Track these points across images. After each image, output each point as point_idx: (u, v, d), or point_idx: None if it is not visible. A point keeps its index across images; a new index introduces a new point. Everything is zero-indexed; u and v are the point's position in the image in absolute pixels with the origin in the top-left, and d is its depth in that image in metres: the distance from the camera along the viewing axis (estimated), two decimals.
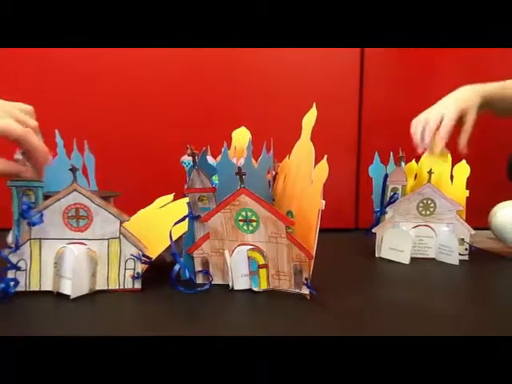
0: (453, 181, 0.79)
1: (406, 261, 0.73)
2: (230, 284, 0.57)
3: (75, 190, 0.53)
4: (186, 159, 0.72)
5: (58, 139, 0.70)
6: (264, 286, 0.56)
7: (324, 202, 0.53)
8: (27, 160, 0.52)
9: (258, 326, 0.46)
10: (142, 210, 0.70)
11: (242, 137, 0.75)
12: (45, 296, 0.53)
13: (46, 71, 0.99)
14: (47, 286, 0.54)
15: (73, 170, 0.53)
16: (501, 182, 0.99)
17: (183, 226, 0.59)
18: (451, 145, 0.79)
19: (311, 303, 0.52)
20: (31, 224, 0.52)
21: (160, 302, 0.53)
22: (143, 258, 0.55)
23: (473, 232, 0.74)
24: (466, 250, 0.75)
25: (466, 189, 0.78)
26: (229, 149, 0.69)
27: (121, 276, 0.55)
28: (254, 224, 0.55)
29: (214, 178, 0.62)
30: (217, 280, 0.59)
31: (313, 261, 0.53)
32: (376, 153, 0.83)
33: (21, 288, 0.53)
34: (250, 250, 0.56)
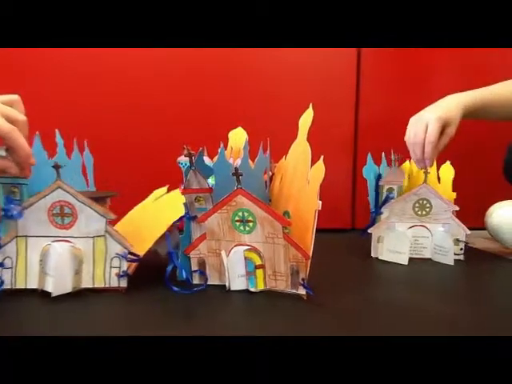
0: (440, 182, 0.80)
1: (405, 262, 0.73)
2: (227, 284, 0.57)
3: (59, 188, 0.53)
4: (183, 160, 0.72)
5: (58, 139, 0.70)
6: (261, 287, 0.56)
7: (320, 202, 0.53)
8: (10, 156, 0.51)
9: (254, 327, 0.46)
10: (138, 205, 0.70)
11: (238, 137, 0.75)
12: (32, 294, 0.53)
13: (45, 71, 0.99)
14: (33, 283, 0.54)
15: (56, 167, 0.52)
16: (497, 182, 0.99)
17: (177, 214, 0.59)
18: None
19: (308, 303, 0.52)
20: (11, 217, 0.52)
21: (156, 303, 0.53)
22: (130, 256, 0.55)
23: (468, 232, 0.74)
24: (462, 249, 0.75)
25: (453, 190, 0.79)
26: (225, 149, 0.69)
27: (106, 274, 0.55)
28: (251, 224, 0.55)
29: (210, 178, 0.62)
30: (213, 280, 0.59)
31: (309, 261, 0.53)
32: (369, 154, 0.83)
33: (7, 286, 0.54)
34: (247, 250, 0.56)
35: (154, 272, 0.58)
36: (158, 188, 0.73)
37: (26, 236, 0.54)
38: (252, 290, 0.56)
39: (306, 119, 0.60)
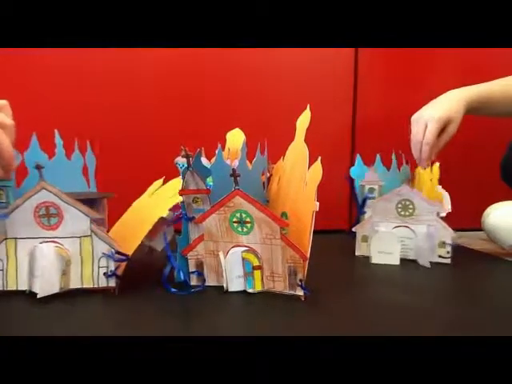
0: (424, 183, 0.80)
1: (396, 262, 0.73)
2: (225, 285, 0.57)
3: (43, 189, 0.53)
4: (181, 161, 0.72)
5: (58, 139, 0.70)
6: (258, 288, 0.56)
7: (318, 203, 0.53)
8: None
9: (252, 328, 0.46)
10: (135, 202, 0.70)
11: (236, 138, 0.75)
12: (21, 295, 0.53)
13: (45, 71, 0.98)
14: (24, 285, 0.54)
15: (37, 167, 0.52)
16: (494, 183, 0.99)
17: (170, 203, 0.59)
18: None
19: (305, 304, 0.52)
20: None
21: (154, 304, 0.53)
22: (117, 256, 0.55)
23: (454, 234, 0.73)
24: (448, 253, 0.73)
25: (450, 192, 0.79)
26: (223, 150, 0.69)
27: (95, 274, 0.55)
28: (249, 225, 0.55)
29: (208, 179, 0.62)
30: (211, 282, 0.59)
31: (307, 262, 0.53)
32: (358, 155, 0.84)
33: None
34: (245, 251, 0.56)
35: (151, 273, 0.58)
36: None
37: (15, 238, 0.54)
38: (250, 291, 0.56)
39: (304, 120, 0.60)
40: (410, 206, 0.74)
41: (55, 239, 0.54)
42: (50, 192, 0.53)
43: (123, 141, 1.02)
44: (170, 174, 0.71)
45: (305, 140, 0.59)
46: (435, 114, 0.77)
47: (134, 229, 0.60)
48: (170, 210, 0.61)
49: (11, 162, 0.52)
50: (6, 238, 0.54)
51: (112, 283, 0.55)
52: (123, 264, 0.56)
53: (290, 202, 0.60)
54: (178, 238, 0.59)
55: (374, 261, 0.74)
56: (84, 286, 0.55)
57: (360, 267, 0.73)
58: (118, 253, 0.55)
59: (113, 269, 0.55)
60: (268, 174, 0.68)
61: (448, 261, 0.73)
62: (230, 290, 0.56)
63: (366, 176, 0.82)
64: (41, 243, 0.53)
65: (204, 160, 0.68)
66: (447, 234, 0.73)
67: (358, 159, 0.84)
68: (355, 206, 1.10)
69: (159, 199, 0.64)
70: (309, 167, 0.56)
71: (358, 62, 1.09)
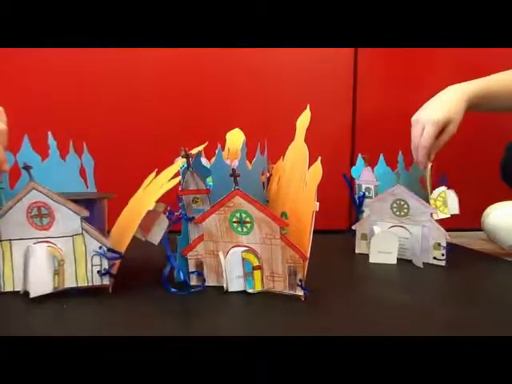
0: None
1: (394, 261, 0.73)
2: (225, 286, 0.57)
3: (34, 189, 0.53)
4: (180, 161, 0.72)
5: (51, 141, 0.70)
6: (258, 288, 0.56)
7: (318, 203, 0.53)
8: None
9: (252, 328, 0.46)
10: (130, 199, 0.70)
11: (235, 138, 0.75)
12: (21, 296, 0.53)
13: (45, 71, 0.98)
14: (20, 286, 0.54)
15: (26, 168, 0.52)
16: (494, 183, 0.99)
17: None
18: None
19: (305, 304, 0.52)
20: None
21: (154, 304, 0.53)
22: (109, 253, 0.55)
23: (448, 236, 0.71)
24: (443, 255, 0.72)
25: (449, 188, 0.78)
26: (223, 150, 0.69)
27: (88, 272, 0.55)
28: (248, 225, 0.55)
29: (208, 179, 0.62)
30: (211, 282, 0.59)
31: (307, 262, 0.53)
32: (359, 154, 0.84)
33: None
34: (245, 251, 0.56)
35: (151, 273, 0.58)
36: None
37: (9, 240, 0.54)
38: (250, 291, 0.56)
39: (304, 120, 0.60)
40: (405, 206, 0.74)
41: (48, 239, 0.54)
42: (40, 192, 0.53)
43: (123, 141, 1.02)
44: None
45: (305, 140, 0.58)
46: (433, 117, 0.77)
47: (127, 225, 0.59)
48: (159, 201, 0.59)
49: (2, 164, 0.55)
50: (0, 240, 0.54)
51: (106, 281, 0.55)
52: (118, 262, 0.56)
53: (290, 202, 0.60)
54: (178, 238, 0.59)
55: (372, 260, 0.74)
56: (79, 285, 0.55)
57: (360, 267, 0.73)
58: (111, 250, 0.55)
59: (106, 267, 0.55)
60: (268, 174, 0.68)
61: (443, 263, 0.72)
62: (229, 290, 0.56)
63: (363, 175, 0.82)
64: (34, 244, 0.53)
65: (204, 160, 0.68)
66: (441, 235, 0.72)
67: (360, 159, 0.84)
68: (354, 205, 1.11)
69: (149, 192, 0.63)
70: (309, 167, 0.56)
71: (358, 62, 1.09)
